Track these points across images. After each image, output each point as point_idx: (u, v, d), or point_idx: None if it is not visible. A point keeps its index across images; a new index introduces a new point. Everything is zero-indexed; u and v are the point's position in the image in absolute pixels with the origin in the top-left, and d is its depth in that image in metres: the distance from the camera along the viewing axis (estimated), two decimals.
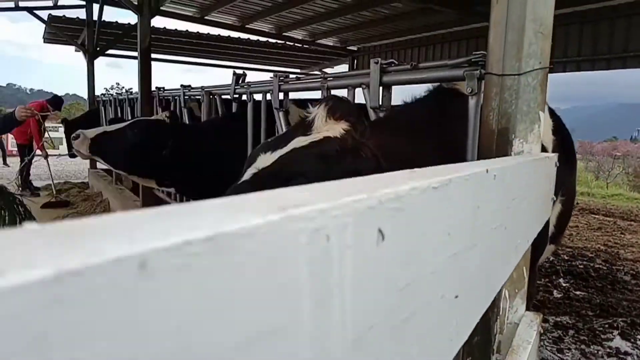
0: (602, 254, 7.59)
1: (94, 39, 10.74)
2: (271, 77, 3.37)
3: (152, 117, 3.73)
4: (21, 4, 10.78)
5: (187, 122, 4.96)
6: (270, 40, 12.99)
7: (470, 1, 8.90)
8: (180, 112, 5.15)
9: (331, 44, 14.05)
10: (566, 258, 7.20)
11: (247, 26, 12.08)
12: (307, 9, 10.53)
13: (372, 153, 1.56)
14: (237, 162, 3.70)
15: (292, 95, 3.35)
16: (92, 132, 3.51)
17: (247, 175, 1.64)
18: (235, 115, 4.03)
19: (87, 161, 11.90)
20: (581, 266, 6.76)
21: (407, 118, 1.99)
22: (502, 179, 0.96)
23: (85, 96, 12.46)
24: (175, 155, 3.44)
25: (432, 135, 1.90)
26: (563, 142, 2.55)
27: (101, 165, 10.96)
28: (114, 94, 8.96)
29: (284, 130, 3.29)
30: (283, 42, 13.13)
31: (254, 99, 3.73)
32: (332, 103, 1.70)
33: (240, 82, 3.98)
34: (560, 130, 2.50)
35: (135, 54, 11.95)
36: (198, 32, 12.15)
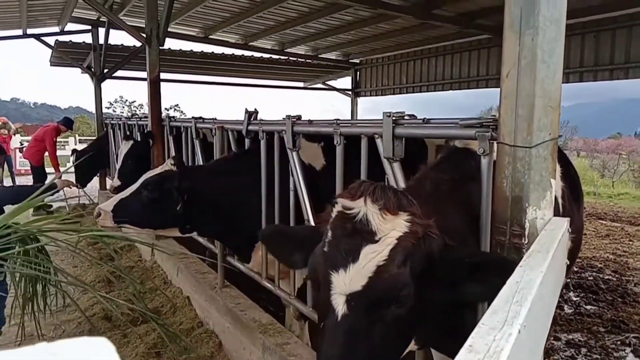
0: (611, 263, 7.63)
1: (100, 62, 10.90)
2: (283, 119, 3.47)
3: (160, 168, 3.79)
4: (29, 31, 10.96)
5: (200, 153, 5.08)
6: (273, 56, 13.12)
7: (470, 15, 9.00)
8: (192, 142, 5.27)
9: (334, 57, 14.18)
10: (575, 269, 7.25)
11: (250, 44, 12.23)
12: (310, 26, 10.66)
13: (435, 232, 1.58)
14: (252, 199, 3.81)
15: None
16: (109, 205, 3.64)
17: (340, 306, 1.47)
18: (245, 153, 4.13)
19: (96, 181, 12.05)
20: (591, 278, 6.81)
21: (434, 186, 2.04)
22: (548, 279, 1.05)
23: (89, 108, 12.65)
24: (190, 204, 3.56)
25: (456, 202, 1.98)
26: (571, 184, 2.64)
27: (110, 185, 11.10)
28: (123, 118, 9.08)
29: (298, 169, 3.38)
30: (286, 57, 13.26)
31: (267, 136, 3.82)
32: (380, 196, 1.53)
33: (252, 119, 4.08)
34: (567, 174, 2.59)
35: (142, 74, 12.14)
36: (202, 51, 12.30)
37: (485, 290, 1.50)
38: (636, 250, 8.44)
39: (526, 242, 1.70)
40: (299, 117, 3.41)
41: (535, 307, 0.89)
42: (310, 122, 3.30)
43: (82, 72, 12.07)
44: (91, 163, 9.61)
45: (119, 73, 11.46)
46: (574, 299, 6.03)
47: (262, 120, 4.07)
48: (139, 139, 6.69)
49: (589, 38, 8.80)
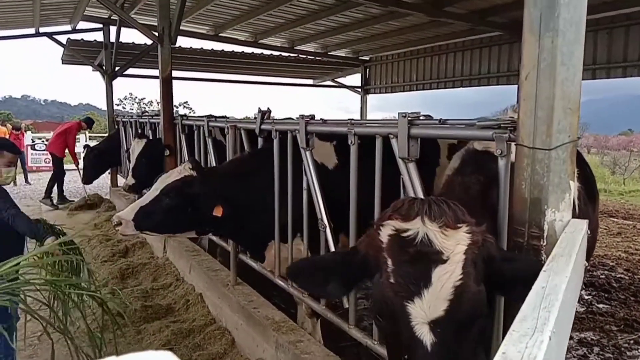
0: (623, 262, 7.58)
1: (111, 60, 10.97)
2: (297, 118, 3.49)
3: (177, 171, 3.74)
4: (41, 29, 11.05)
5: (213, 152, 5.11)
6: (283, 53, 13.13)
7: (481, 13, 8.95)
8: (204, 141, 5.30)
9: (343, 54, 14.16)
10: (588, 268, 7.21)
11: (260, 41, 12.25)
12: (320, 24, 10.65)
13: (490, 237, 1.58)
14: (268, 198, 3.83)
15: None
16: (129, 213, 3.59)
17: (426, 335, 1.41)
18: (259, 152, 4.15)
19: (108, 177, 12.18)
20: (603, 277, 6.78)
21: (463, 190, 2.06)
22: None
23: (99, 105, 12.86)
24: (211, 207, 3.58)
25: (482, 205, 1.99)
26: (586, 184, 2.63)
27: (121, 183, 11.20)
28: (134, 116, 9.14)
29: (311, 169, 3.40)
30: (296, 55, 13.27)
31: (280, 136, 3.84)
32: (436, 213, 1.48)
33: (265, 118, 4.10)
34: (583, 174, 2.58)
35: (153, 72, 12.21)
36: (212, 48, 12.34)
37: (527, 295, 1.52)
38: None
39: (545, 244, 1.71)
40: (312, 117, 3.43)
41: (561, 313, 0.90)
42: (324, 121, 3.31)
43: (93, 70, 12.17)
44: (101, 160, 9.74)
45: (130, 71, 11.52)
46: (586, 297, 6.01)
47: (275, 119, 4.09)
48: (151, 137, 6.75)
49: (602, 35, 8.72)
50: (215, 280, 4.92)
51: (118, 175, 11.52)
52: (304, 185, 3.49)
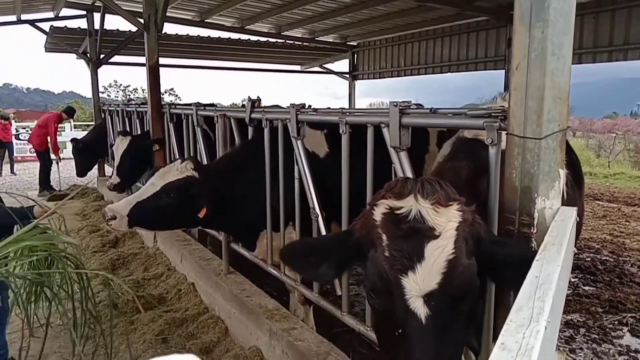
0: (608, 244, 7.73)
1: (96, 48, 10.80)
2: (287, 107, 3.49)
3: (177, 169, 3.65)
4: (23, 17, 10.82)
5: (202, 141, 5.08)
6: (270, 39, 13.03)
7: None
8: (194, 130, 5.26)
9: (331, 40, 14.09)
10: (574, 251, 7.34)
11: (246, 27, 12.13)
12: (307, 9, 10.58)
13: (479, 218, 1.63)
14: (260, 189, 3.85)
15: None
16: (125, 207, 3.51)
17: (419, 309, 1.45)
18: (251, 143, 4.14)
19: (95, 167, 12.08)
20: (588, 259, 6.91)
21: (452, 177, 2.06)
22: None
23: (83, 93, 12.75)
24: (211, 208, 3.57)
25: (472, 192, 2.02)
26: (573, 171, 2.67)
27: (109, 172, 11.10)
28: (121, 105, 9.04)
29: (303, 158, 3.41)
30: (283, 40, 13.17)
31: (271, 125, 3.84)
32: (428, 191, 1.53)
33: (255, 106, 4.09)
34: (570, 161, 2.61)
35: (139, 59, 12.04)
36: (199, 35, 12.20)
37: (518, 280, 1.56)
38: (633, 231, 8.54)
39: (535, 231, 1.74)
40: (303, 105, 3.43)
41: (555, 301, 0.93)
42: (315, 110, 3.31)
43: (77, 58, 11.97)
44: (88, 152, 9.68)
45: (115, 58, 11.37)
46: (572, 280, 6.12)
47: (266, 108, 4.07)
48: (136, 133, 6.64)
49: (589, 19, 8.77)
50: (207, 269, 4.93)
51: (106, 165, 11.43)
52: (296, 174, 3.50)
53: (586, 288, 5.84)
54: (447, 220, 1.50)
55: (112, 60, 11.23)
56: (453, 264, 1.45)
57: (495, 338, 2.05)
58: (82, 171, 9.74)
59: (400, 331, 1.47)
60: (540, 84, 1.67)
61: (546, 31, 1.64)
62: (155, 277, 5.58)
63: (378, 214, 1.57)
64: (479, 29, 11.10)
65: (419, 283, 1.44)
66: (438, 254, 1.44)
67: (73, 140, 10.07)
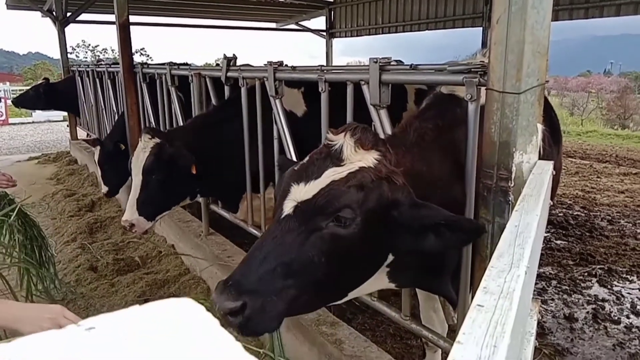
0: (580, 200, 7.96)
1: (62, 5, 10.34)
2: (265, 65, 3.42)
3: (142, 148, 3.58)
4: None
5: (177, 102, 4.97)
6: None
7: None
8: (167, 91, 5.13)
9: None
10: (551, 205, 7.53)
11: None
12: None
13: (403, 181, 1.68)
14: (240, 149, 3.83)
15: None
16: (133, 212, 3.50)
17: (288, 209, 1.64)
18: (228, 103, 4.07)
19: (67, 129, 11.83)
20: (561, 214, 7.11)
21: (418, 134, 2.07)
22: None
23: (50, 54, 12.29)
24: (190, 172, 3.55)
25: (441, 149, 2.03)
26: (551, 127, 2.71)
27: (82, 135, 10.87)
28: (91, 65, 8.74)
29: (281, 117, 3.38)
30: None
31: (247, 83, 3.77)
32: (360, 133, 1.70)
33: (231, 65, 4.00)
34: (548, 119, 2.65)
35: (107, 17, 11.58)
36: None
37: (441, 245, 1.64)
38: (603, 187, 8.81)
39: (512, 185, 1.77)
40: (280, 63, 3.36)
41: (534, 250, 0.95)
42: (293, 68, 3.25)
43: (42, 16, 11.44)
44: (53, 97, 9.56)
45: (83, 16, 10.90)
46: (545, 234, 6.31)
47: (242, 66, 3.99)
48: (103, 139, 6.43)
49: None
50: (187, 231, 4.93)
51: (78, 128, 11.16)
52: (275, 134, 3.47)
53: (558, 242, 6.04)
54: (358, 159, 1.66)
55: (79, 18, 10.77)
56: (332, 184, 1.60)
57: (472, 289, 2.11)
58: (37, 108, 9.76)
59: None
60: (520, 37, 1.66)
61: None
62: (135, 240, 5.55)
63: (322, 145, 1.78)
64: None
65: (302, 192, 1.62)
66: (329, 176, 1.62)
67: (45, 79, 9.86)
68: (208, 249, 4.41)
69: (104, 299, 4.26)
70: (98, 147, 5.70)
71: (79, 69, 9.51)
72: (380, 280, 1.92)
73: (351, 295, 1.89)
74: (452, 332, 2.95)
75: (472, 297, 2.08)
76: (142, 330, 0.41)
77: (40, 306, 1.65)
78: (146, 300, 3.91)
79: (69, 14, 10.42)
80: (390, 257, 1.81)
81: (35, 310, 1.71)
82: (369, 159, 1.67)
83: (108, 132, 7.00)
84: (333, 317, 3.18)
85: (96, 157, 5.68)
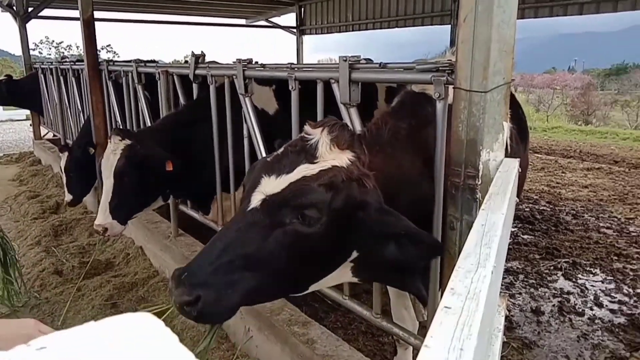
0: (545, 195, 8.16)
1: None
2: (234, 62, 3.37)
3: (112, 150, 3.49)
4: None
5: (143, 100, 4.86)
6: None
7: None
8: (134, 89, 5.02)
9: None
10: (516, 200, 7.69)
11: None
12: None
13: (373, 184, 1.67)
14: (209, 148, 3.77)
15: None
16: (106, 216, 3.42)
17: (255, 201, 1.64)
18: (198, 102, 4.01)
19: (30, 128, 11.46)
20: (527, 209, 7.28)
21: (392, 134, 2.06)
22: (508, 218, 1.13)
23: (12, 50, 11.89)
24: (162, 172, 3.49)
25: (413, 148, 2.04)
26: (518, 125, 2.76)
27: (48, 134, 10.55)
28: (55, 62, 8.49)
29: (251, 115, 3.34)
30: None
31: (216, 81, 3.72)
32: (337, 131, 1.70)
33: (199, 62, 3.93)
34: (516, 116, 2.69)
35: (71, 13, 11.27)
36: None
37: (399, 255, 1.64)
38: (568, 182, 9.05)
39: (480, 183, 1.79)
40: (250, 61, 3.32)
41: (500, 248, 0.96)
42: (262, 66, 3.22)
43: (2, 11, 11.04)
44: (14, 92, 9.33)
45: (45, 12, 10.57)
46: (512, 229, 6.44)
47: (211, 63, 3.93)
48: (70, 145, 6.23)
49: None
50: (156, 232, 4.84)
51: (41, 127, 10.84)
52: (245, 132, 3.43)
53: (525, 237, 6.17)
54: (332, 158, 1.66)
55: (42, 14, 10.43)
56: (301, 181, 1.60)
57: (441, 287, 2.13)
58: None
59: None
60: (486, 36, 1.68)
61: None
62: (102, 243, 5.42)
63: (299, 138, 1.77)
64: None
65: (272, 185, 1.62)
66: (301, 172, 1.62)
67: (7, 76, 9.57)
68: (177, 250, 4.34)
69: (69, 303, 4.15)
70: (63, 155, 5.52)
71: (42, 66, 9.22)
72: (344, 275, 1.93)
73: (313, 287, 1.89)
74: (423, 329, 2.98)
75: (442, 295, 2.10)
76: (97, 350, 0.39)
77: (10, 322, 1.58)
78: (114, 304, 3.83)
79: (30, 9, 10.08)
80: (355, 254, 1.80)
81: (7, 327, 1.63)
82: (343, 158, 1.67)
83: (73, 133, 6.81)
84: (305, 316, 3.17)
85: (62, 164, 5.50)
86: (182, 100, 4.24)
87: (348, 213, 1.63)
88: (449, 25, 10.51)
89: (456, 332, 0.62)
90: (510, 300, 4.53)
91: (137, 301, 4.17)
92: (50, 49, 45.58)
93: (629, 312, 4.28)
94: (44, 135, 10.89)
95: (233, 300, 1.59)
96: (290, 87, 2.88)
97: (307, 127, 1.74)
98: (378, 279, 2.35)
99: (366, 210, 1.63)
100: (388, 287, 2.88)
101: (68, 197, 5.38)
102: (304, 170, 1.62)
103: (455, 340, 0.60)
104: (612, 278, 4.96)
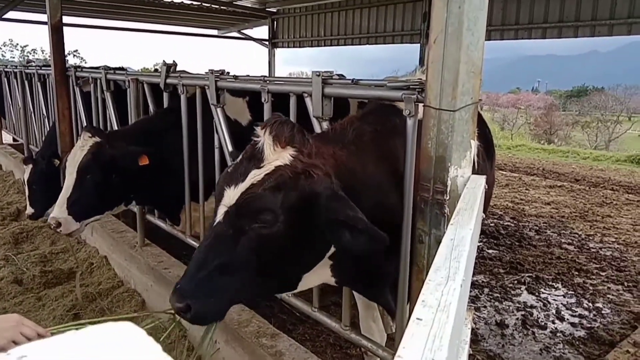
0: (510, 211, 8.38)
1: None
2: (206, 73, 3.37)
3: (80, 147, 3.43)
4: None
5: (112, 107, 4.79)
6: (185, 1, 12.43)
7: None
8: (103, 95, 4.94)
9: (249, 5, 13.68)
10: (482, 216, 7.86)
11: None
12: None
13: (324, 172, 1.72)
14: (180, 157, 3.73)
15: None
16: (62, 210, 3.31)
17: (219, 215, 1.74)
18: (167, 111, 3.97)
19: None
20: (492, 225, 7.45)
21: (356, 134, 2.10)
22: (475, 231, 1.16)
23: None
24: (128, 175, 3.42)
25: (378, 153, 2.09)
26: (485, 143, 2.84)
27: (7, 139, 10.24)
28: (19, 66, 8.26)
29: (223, 126, 3.33)
30: (199, 3, 12.61)
31: (187, 91, 3.70)
32: (276, 130, 1.75)
33: (171, 71, 3.91)
34: (483, 135, 2.78)
35: (38, 17, 11.02)
36: None
37: (352, 243, 1.68)
38: (532, 198, 9.31)
39: (448, 198, 1.84)
40: (222, 72, 3.33)
41: (468, 262, 1.00)
42: (235, 77, 3.23)
43: None
44: None
45: (10, 14, 10.28)
46: (478, 244, 6.58)
47: (182, 73, 3.91)
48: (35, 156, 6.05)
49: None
50: (121, 242, 4.74)
51: (3, 132, 10.49)
52: (216, 143, 3.42)
53: (490, 251, 6.31)
54: (275, 159, 1.72)
55: (6, 16, 10.15)
56: (249, 189, 1.68)
57: (409, 299, 2.17)
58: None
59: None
60: (456, 57, 1.74)
61: (462, 6, 1.70)
62: (64, 251, 5.27)
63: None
64: (397, 1, 11.29)
65: (231, 197, 1.71)
66: (250, 179, 1.70)
67: None
68: (143, 260, 4.26)
69: (29, 313, 4.00)
70: (27, 167, 5.35)
71: (6, 69, 8.96)
72: (324, 274, 2.01)
73: (301, 285, 1.96)
74: (391, 341, 3.01)
75: (410, 307, 2.13)
76: (78, 359, 0.39)
77: None
78: (76, 315, 3.73)
79: None
80: (332, 249, 1.87)
81: None
82: (285, 156, 1.73)
83: (37, 139, 6.61)
84: (273, 328, 3.15)
85: (26, 177, 5.33)
86: (152, 109, 4.19)
87: (304, 206, 1.68)
88: (418, 44, 10.76)
89: (427, 343, 0.64)
90: (476, 313, 4.62)
91: (101, 312, 4.06)
92: (13, 51, 44.35)
93: (589, 325, 4.42)
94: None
95: (221, 304, 1.77)
96: (263, 100, 2.90)
97: (257, 130, 1.80)
98: (353, 283, 2.37)
99: (319, 199, 1.69)
100: (357, 299, 2.91)
101: (29, 210, 5.21)
102: (252, 177, 1.71)
103: (427, 351, 0.63)
104: (573, 292, 5.11)
